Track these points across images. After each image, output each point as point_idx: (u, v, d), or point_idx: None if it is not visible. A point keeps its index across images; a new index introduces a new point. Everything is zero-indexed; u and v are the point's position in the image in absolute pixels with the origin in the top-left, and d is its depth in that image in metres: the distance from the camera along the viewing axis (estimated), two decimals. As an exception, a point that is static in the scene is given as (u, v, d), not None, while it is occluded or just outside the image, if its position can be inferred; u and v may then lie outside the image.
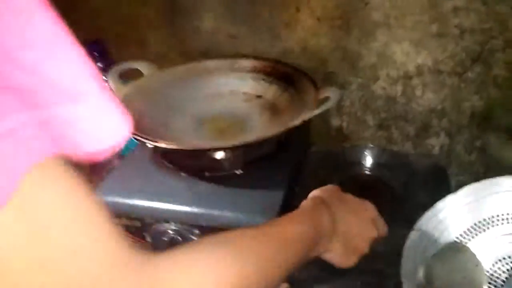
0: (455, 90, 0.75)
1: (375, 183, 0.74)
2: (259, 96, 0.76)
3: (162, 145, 0.56)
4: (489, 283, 0.52)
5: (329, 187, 0.54)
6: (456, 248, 0.49)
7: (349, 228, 0.49)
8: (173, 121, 0.71)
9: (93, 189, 0.26)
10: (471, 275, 0.49)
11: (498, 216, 0.53)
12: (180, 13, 0.82)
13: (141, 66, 0.75)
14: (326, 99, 0.61)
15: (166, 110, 0.72)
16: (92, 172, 0.85)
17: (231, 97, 0.77)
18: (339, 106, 0.83)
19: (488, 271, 0.52)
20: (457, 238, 0.55)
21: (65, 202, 0.24)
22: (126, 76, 0.74)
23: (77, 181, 0.25)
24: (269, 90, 0.75)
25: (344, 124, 0.85)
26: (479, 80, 0.73)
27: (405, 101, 0.79)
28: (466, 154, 0.80)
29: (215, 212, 0.57)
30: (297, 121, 0.58)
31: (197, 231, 0.58)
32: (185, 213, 0.58)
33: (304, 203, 0.50)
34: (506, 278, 0.51)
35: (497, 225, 0.53)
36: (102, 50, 0.87)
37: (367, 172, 0.77)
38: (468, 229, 0.55)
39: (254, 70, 0.78)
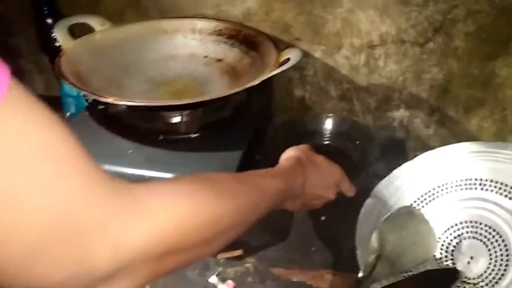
0: (417, 62, 0.74)
1: (334, 152, 0.74)
2: (219, 60, 0.73)
3: (110, 100, 0.52)
4: (441, 248, 0.52)
5: (304, 147, 0.55)
6: (408, 213, 0.49)
7: (314, 190, 0.52)
8: (126, 81, 0.67)
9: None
10: (423, 241, 0.49)
11: (452, 182, 0.53)
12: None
13: (93, 21, 0.70)
14: (287, 60, 0.59)
15: (118, 69, 0.68)
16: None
17: (190, 60, 0.74)
18: (302, 76, 0.81)
19: (440, 237, 0.52)
20: (412, 204, 0.55)
21: (30, 131, 0.23)
22: (77, 34, 0.69)
23: (42, 109, 0.24)
24: (230, 54, 0.72)
25: (307, 95, 0.84)
26: (439, 51, 0.72)
27: (367, 72, 0.78)
28: (424, 128, 0.81)
29: (167, 175, 0.54)
30: (255, 82, 0.55)
31: (147, 195, 0.55)
32: (136, 176, 0.55)
33: (282, 162, 0.52)
34: (456, 243, 0.52)
35: (451, 191, 0.53)
36: (53, 5, 0.81)
37: (326, 142, 0.76)
38: (422, 196, 0.55)
39: (216, 33, 0.74)
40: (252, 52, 0.70)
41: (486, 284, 0.47)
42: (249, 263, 0.56)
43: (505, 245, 0.47)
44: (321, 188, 0.53)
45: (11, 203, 0.22)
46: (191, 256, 0.33)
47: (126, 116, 0.64)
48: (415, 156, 0.80)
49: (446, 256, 0.51)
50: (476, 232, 0.50)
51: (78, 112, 0.81)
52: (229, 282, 0.54)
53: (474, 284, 0.48)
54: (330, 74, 0.80)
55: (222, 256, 0.56)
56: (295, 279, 0.54)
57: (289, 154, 0.53)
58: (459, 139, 0.79)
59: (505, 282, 0.45)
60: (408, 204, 0.55)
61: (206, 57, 0.74)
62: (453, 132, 0.79)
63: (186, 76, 0.70)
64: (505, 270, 0.46)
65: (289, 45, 0.77)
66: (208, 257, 0.56)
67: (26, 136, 0.23)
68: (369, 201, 0.56)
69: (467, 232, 0.51)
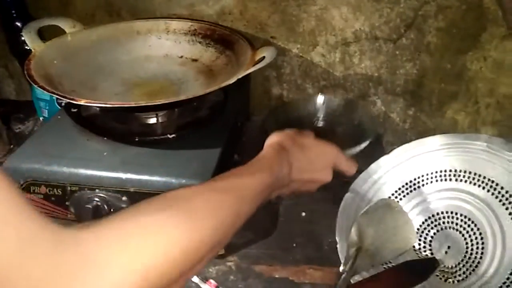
0: (390, 57, 0.76)
1: (327, 132, 0.74)
2: (195, 60, 0.72)
3: (82, 102, 0.51)
4: (419, 239, 0.53)
5: (288, 132, 0.51)
6: (386, 205, 0.49)
7: (303, 176, 0.48)
8: (99, 84, 0.65)
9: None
10: (402, 232, 0.50)
11: (427, 175, 0.54)
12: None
13: (63, 23, 0.68)
14: (263, 58, 0.59)
15: (91, 72, 0.66)
16: (12, 142, 0.77)
17: (165, 60, 0.73)
18: (279, 74, 0.81)
19: (418, 228, 0.53)
20: (390, 197, 0.55)
21: None
22: (47, 36, 0.67)
23: None
24: (206, 54, 0.71)
25: (285, 93, 0.84)
26: (412, 47, 0.74)
27: (343, 69, 0.79)
28: (401, 122, 0.82)
29: (144, 177, 0.53)
30: (230, 81, 0.55)
31: (125, 198, 0.54)
32: (111, 178, 0.54)
33: (264, 151, 0.48)
34: (434, 233, 0.52)
35: (427, 183, 0.54)
36: (21, 8, 0.78)
37: (319, 123, 0.78)
38: (399, 188, 0.56)
39: (190, 33, 0.73)
40: (227, 51, 0.69)
41: (463, 272, 0.48)
42: (231, 261, 0.56)
43: (480, 233, 0.48)
44: (311, 172, 0.49)
45: None
46: None
47: (101, 118, 0.63)
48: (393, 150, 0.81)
49: (424, 247, 0.52)
50: (452, 223, 0.51)
51: (51, 116, 0.80)
52: (211, 281, 0.53)
53: (452, 273, 0.49)
54: (306, 71, 0.80)
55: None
56: (277, 276, 0.54)
57: (272, 141, 0.49)
58: (434, 132, 0.80)
59: (481, 269, 0.46)
60: (386, 196, 0.56)
61: (181, 57, 0.73)
62: (429, 125, 0.81)
63: (161, 76, 0.70)
64: (481, 258, 0.47)
65: (265, 43, 0.77)
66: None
67: None
68: (348, 196, 0.57)
69: (443, 223, 0.52)
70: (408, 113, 0.81)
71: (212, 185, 0.39)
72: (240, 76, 0.55)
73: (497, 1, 0.67)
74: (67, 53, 0.65)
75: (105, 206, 0.54)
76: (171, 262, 0.28)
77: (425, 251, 0.52)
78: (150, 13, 0.78)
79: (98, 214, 0.53)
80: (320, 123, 0.77)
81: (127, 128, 0.61)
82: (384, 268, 0.50)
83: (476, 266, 0.47)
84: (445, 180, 0.53)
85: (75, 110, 0.64)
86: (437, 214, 0.52)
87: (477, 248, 0.48)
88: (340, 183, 0.57)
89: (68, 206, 0.55)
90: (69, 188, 0.55)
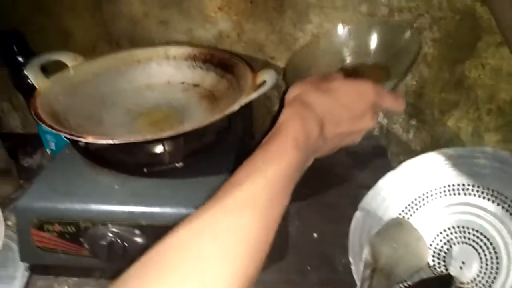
0: (390, 70, 0.76)
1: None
2: (196, 85, 0.73)
3: (90, 140, 0.52)
4: (432, 255, 0.53)
5: (310, 79, 0.42)
6: (397, 224, 0.50)
7: (341, 129, 0.39)
8: (103, 116, 0.66)
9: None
10: (415, 250, 0.50)
11: (436, 189, 0.55)
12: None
13: (65, 57, 0.68)
14: (264, 83, 0.59)
15: (95, 104, 0.67)
16: (22, 177, 0.78)
17: (167, 87, 0.73)
18: (280, 93, 0.82)
19: (431, 244, 0.53)
20: (400, 214, 0.56)
21: None
22: (50, 71, 0.68)
23: None
24: (207, 78, 0.72)
25: (286, 110, 0.85)
26: (411, 59, 0.74)
27: (343, 83, 0.79)
28: (404, 133, 0.83)
29: (156, 210, 0.54)
30: (234, 107, 0.56)
31: (138, 232, 0.54)
32: (123, 213, 0.54)
33: (283, 115, 0.39)
34: (447, 249, 0.53)
35: (436, 198, 0.54)
36: (21, 43, 0.79)
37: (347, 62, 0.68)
38: (409, 204, 0.56)
39: (190, 58, 0.74)
40: (228, 75, 0.70)
41: None
42: (246, 288, 0.56)
43: (494, 248, 0.49)
44: (350, 122, 0.39)
45: None
46: None
47: (108, 151, 0.63)
48: (399, 160, 0.82)
49: (438, 263, 0.52)
50: (465, 237, 0.51)
51: (58, 148, 0.80)
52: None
53: (468, 288, 0.49)
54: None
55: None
56: (293, 300, 0.54)
57: (291, 96, 0.40)
58: (438, 140, 0.81)
59: (497, 284, 0.46)
60: (396, 213, 0.56)
61: (183, 83, 0.73)
62: (432, 134, 0.82)
63: (164, 104, 0.70)
64: (496, 273, 0.47)
65: (264, 64, 0.78)
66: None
67: None
68: (358, 214, 0.57)
69: (456, 238, 0.52)
70: (411, 123, 0.81)
71: (218, 207, 0.32)
72: (243, 103, 0.56)
73: (490, 10, 0.68)
74: (71, 88, 0.66)
75: (119, 241, 0.54)
76: None
77: (439, 267, 0.52)
78: (148, 41, 0.79)
79: (113, 250, 0.54)
80: (348, 60, 0.62)
81: (135, 160, 0.62)
82: (401, 287, 0.50)
83: (492, 282, 0.47)
84: (454, 194, 0.53)
85: (82, 144, 0.64)
86: (449, 229, 0.53)
87: (492, 262, 0.48)
88: (347, 201, 0.57)
89: (82, 242, 0.56)
90: (82, 225, 0.55)
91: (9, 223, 0.70)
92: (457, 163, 0.53)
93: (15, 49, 0.78)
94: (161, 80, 0.74)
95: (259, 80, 0.63)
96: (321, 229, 0.62)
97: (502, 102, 0.76)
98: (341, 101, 0.39)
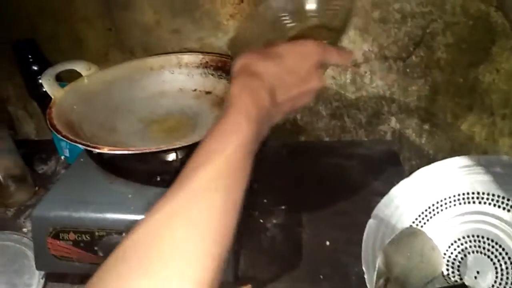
0: (401, 75, 0.76)
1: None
2: (208, 92, 0.73)
3: (104, 151, 0.52)
4: (447, 264, 0.53)
5: (252, 50, 0.42)
6: (411, 233, 0.49)
7: (292, 92, 0.40)
8: (117, 124, 0.67)
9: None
10: (429, 259, 0.50)
11: (450, 197, 0.54)
12: (118, 7, 0.78)
13: (79, 66, 0.70)
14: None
15: (109, 113, 0.68)
16: (37, 184, 0.79)
17: (179, 95, 0.74)
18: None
19: (445, 253, 0.53)
20: (413, 222, 0.55)
21: None
22: (64, 78, 0.69)
23: None
24: (219, 85, 0.73)
25: (298, 116, 0.85)
26: (422, 64, 0.74)
27: (355, 89, 0.79)
28: (417, 137, 0.82)
29: (169, 218, 0.54)
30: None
31: (151, 239, 0.55)
32: (137, 222, 0.55)
33: (231, 91, 0.37)
34: (461, 258, 0.52)
35: (450, 206, 0.54)
36: (36, 51, 0.81)
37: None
38: (422, 213, 0.55)
39: (202, 65, 0.75)
40: (240, 82, 0.71)
41: (495, 297, 0.48)
42: (259, 297, 0.56)
43: (509, 258, 0.48)
44: (298, 84, 0.40)
45: None
46: None
47: (122, 159, 0.64)
48: (411, 166, 0.82)
49: (453, 272, 0.52)
50: (479, 246, 0.51)
51: (72, 155, 0.81)
52: (241, 318, 0.53)
53: (484, 298, 0.49)
54: (318, 94, 0.81)
55: (231, 292, 0.56)
56: (306, 309, 0.54)
57: (237, 67, 0.40)
58: (452, 145, 0.80)
59: (513, 295, 0.46)
60: (409, 222, 0.56)
61: (195, 90, 0.74)
62: (445, 139, 0.81)
63: (177, 111, 0.71)
64: (512, 283, 0.47)
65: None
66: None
67: None
68: (371, 222, 0.57)
69: (470, 247, 0.52)
70: (424, 127, 0.81)
71: (185, 192, 0.32)
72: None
73: (504, 15, 0.67)
74: (85, 97, 0.67)
75: (133, 249, 0.55)
76: None
77: (454, 277, 0.52)
78: (161, 48, 0.80)
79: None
80: (289, 22, 0.55)
81: (148, 168, 0.62)
82: (414, 296, 0.50)
83: (508, 292, 0.47)
84: (468, 203, 0.52)
85: (96, 153, 0.65)
86: (463, 238, 0.52)
87: (507, 272, 0.48)
88: (360, 209, 0.57)
89: (97, 251, 0.56)
90: (97, 234, 0.56)
91: (25, 230, 0.71)
92: (472, 171, 0.53)
93: (30, 58, 0.80)
94: (174, 87, 0.74)
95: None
96: (334, 237, 0.62)
97: (517, 107, 0.75)
98: (287, 65, 0.40)
